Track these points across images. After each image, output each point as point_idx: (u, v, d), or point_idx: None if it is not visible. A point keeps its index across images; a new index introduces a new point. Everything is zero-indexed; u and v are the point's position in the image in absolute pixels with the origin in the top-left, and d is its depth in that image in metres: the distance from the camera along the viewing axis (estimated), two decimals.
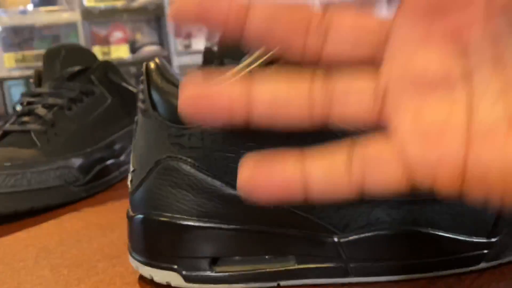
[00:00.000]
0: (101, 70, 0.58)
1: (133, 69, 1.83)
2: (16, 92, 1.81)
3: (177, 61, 1.88)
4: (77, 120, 0.54)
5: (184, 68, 1.88)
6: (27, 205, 0.46)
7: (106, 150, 0.57)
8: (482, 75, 0.17)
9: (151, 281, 0.29)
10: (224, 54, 0.57)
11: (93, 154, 0.54)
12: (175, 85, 0.27)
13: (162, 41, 1.86)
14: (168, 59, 1.86)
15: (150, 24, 1.94)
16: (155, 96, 0.27)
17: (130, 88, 0.61)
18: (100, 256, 0.35)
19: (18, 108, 0.55)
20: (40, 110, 0.52)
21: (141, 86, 0.28)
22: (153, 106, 0.27)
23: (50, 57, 0.58)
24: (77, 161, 0.52)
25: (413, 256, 0.27)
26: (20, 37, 1.86)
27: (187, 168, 0.27)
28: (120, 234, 0.39)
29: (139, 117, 0.29)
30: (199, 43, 1.87)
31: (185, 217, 0.27)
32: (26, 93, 0.56)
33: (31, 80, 0.62)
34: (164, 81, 0.27)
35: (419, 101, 0.18)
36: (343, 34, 0.18)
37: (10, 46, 1.82)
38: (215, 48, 0.59)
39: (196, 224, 0.27)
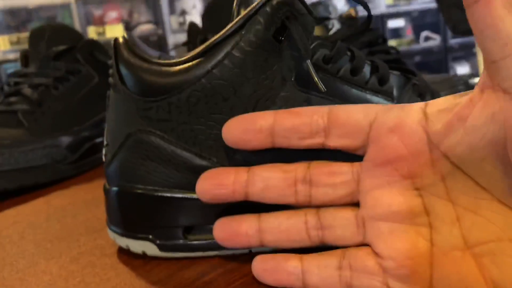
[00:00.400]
0: (87, 49, 0.58)
1: None
2: None
3: (173, 39, 1.87)
4: (64, 99, 0.55)
5: (179, 45, 1.87)
6: (16, 184, 0.47)
7: (94, 128, 0.57)
8: (438, 208, 0.21)
9: (128, 252, 0.30)
10: (207, 30, 0.57)
11: (81, 132, 0.55)
12: (143, 59, 0.27)
13: (157, 20, 1.85)
14: (164, 37, 1.85)
15: (145, 3, 1.92)
16: (123, 70, 0.27)
17: None
18: (83, 230, 0.36)
19: (6, 88, 0.56)
20: (27, 90, 0.53)
21: (110, 61, 0.28)
22: (121, 80, 0.27)
23: (35, 37, 0.58)
24: (65, 140, 0.53)
25: None
26: (15, 19, 1.85)
27: (156, 140, 0.27)
28: (104, 209, 0.40)
29: (110, 92, 0.29)
30: (194, 21, 1.86)
31: (157, 188, 0.28)
32: (12, 73, 0.57)
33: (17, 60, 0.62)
34: (131, 55, 0.27)
35: (391, 232, 0.22)
36: (323, 184, 0.24)
37: (6, 28, 1.81)
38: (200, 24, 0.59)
39: (168, 195, 0.27)
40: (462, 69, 2.29)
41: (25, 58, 0.59)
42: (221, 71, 0.25)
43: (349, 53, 0.28)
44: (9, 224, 0.40)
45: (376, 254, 0.23)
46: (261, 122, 0.24)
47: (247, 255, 0.28)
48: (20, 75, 0.55)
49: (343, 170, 0.24)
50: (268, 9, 0.25)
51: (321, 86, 0.24)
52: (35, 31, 0.58)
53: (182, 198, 0.27)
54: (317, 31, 0.60)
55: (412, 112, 0.22)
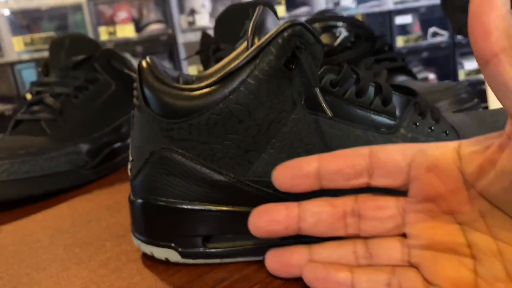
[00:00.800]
0: (104, 58, 0.61)
1: (139, 48, 1.85)
2: (26, 74, 1.85)
3: (182, 38, 1.89)
4: (84, 107, 0.57)
5: (189, 45, 1.90)
6: (41, 189, 0.50)
7: (113, 134, 0.60)
8: (480, 242, 0.23)
9: (152, 257, 0.33)
10: (220, 39, 0.60)
11: (101, 138, 0.58)
12: (164, 82, 0.30)
13: (166, 19, 1.87)
14: (173, 36, 1.88)
15: (154, 2, 1.95)
16: (147, 93, 0.30)
17: (132, 74, 0.64)
18: (107, 235, 0.39)
19: (28, 96, 0.59)
20: (49, 99, 0.56)
21: (135, 84, 0.31)
22: (146, 102, 0.30)
23: (55, 47, 0.61)
24: (85, 146, 0.56)
25: None
26: (27, 19, 1.88)
27: (178, 157, 0.30)
28: (125, 214, 0.43)
29: (135, 112, 0.32)
30: (203, 20, 1.88)
31: (178, 201, 0.30)
32: (34, 82, 0.59)
33: (39, 69, 0.65)
34: (154, 79, 0.30)
35: (435, 260, 0.24)
36: (371, 218, 0.26)
37: (19, 29, 1.84)
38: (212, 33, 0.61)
39: (189, 207, 0.30)
40: (471, 64, 2.29)
41: (45, 67, 0.62)
42: (237, 96, 0.28)
43: (354, 76, 0.30)
44: (38, 228, 0.43)
45: (424, 278, 0.24)
46: (307, 168, 0.26)
47: (262, 262, 0.31)
48: (41, 84, 0.58)
49: (389, 205, 0.25)
50: (280, 40, 0.27)
51: (328, 112, 0.26)
52: (55, 41, 0.61)
53: (201, 210, 0.30)
54: (325, 38, 0.62)
55: (447, 152, 0.23)
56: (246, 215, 0.30)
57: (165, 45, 1.89)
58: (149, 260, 0.33)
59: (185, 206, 0.30)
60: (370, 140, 0.29)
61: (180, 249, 0.31)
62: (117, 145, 0.61)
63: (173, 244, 0.31)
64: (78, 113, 0.57)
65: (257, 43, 0.28)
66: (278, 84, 0.28)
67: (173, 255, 0.31)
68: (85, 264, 0.34)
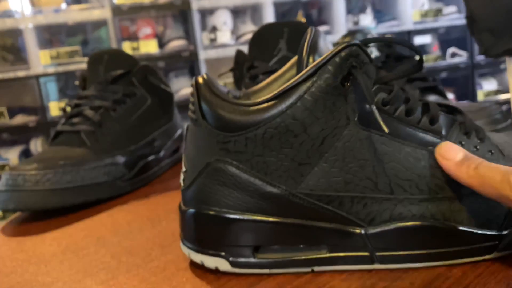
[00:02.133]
0: (141, 73, 0.63)
1: (161, 64, 1.88)
2: (50, 87, 1.90)
3: (203, 55, 1.93)
4: (121, 120, 0.59)
5: (210, 62, 1.93)
6: (81, 199, 0.51)
7: (147, 147, 0.62)
8: None
9: (201, 267, 0.33)
10: (254, 56, 0.61)
11: (137, 151, 0.59)
12: (221, 98, 0.31)
13: (188, 36, 1.91)
14: (195, 53, 1.91)
15: (176, 19, 1.99)
16: (204, 107, 0.31)
17: (167, 89, 0.66)
18: (152, 244, 0.40)
19: (68, 109, 0.61)
20: (88, 112, 0.57)
21: (191, 99, 0.32)
22: (203, 116, 0.31)
23: (94, 61, 0.63)
24: (122, 158, 0.57)
25: (431, 246, 0.30)
26: (53, 34, 1.94)
27: (232, 169, 0.31)
28: (167, 226, 0.44)
29: (190, 125, 0.33)
30: (224, 37, 1.91)
31: (231, 211, 0.31)
32: (73, 96, 0.61)
33: (76, 83, 0.67)
34: (212, 94, 0.31)
35: None
36: None
37: (45, 43, 1.89)
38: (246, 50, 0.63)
39: (240, 217, 0.31)
40: (489, 85, 2.29)
41: (83, 80, 0.64)
42: (293, 111, 0.29)
43: (403, 96, 0.31)
44: (81, 237, 0.44)
45: None
46: None
47: (311, 274, 0.31)
48: (80, 97, 0.60)
49: None
50: (337, 59, 0.28)
51: (385, 127, 0.28)
52: (94, 56, 0.63)
53: (252, 220, 0.31)
54: None
55: None
56: (296, 227, 0.31)
57: (187, 61, 1.92)
58: (198, 269, 0.34)
59: (236, 216, 0.31)
60: (419, 157, 0.30)
61: (230, 259, 0.32)
62: (151, 158, 0.62)
63: (223, 253, 0.32)
64: (116, 126, 0.58)
65: (312, 62, 0.30)
66: (334, 101, 0.29)
67: (223, 264, 0.32)
68: (134, 272, 0.35)
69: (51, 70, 1.79)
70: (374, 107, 0.28)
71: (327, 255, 0.31)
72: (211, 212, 0.32)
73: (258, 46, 0.61)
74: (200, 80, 0.32)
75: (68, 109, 0.61)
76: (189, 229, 0.33)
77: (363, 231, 0.30)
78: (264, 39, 0.61)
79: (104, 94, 0.60)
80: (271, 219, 0.31)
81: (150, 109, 0.63)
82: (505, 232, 0.30)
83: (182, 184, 0.34)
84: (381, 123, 0.27)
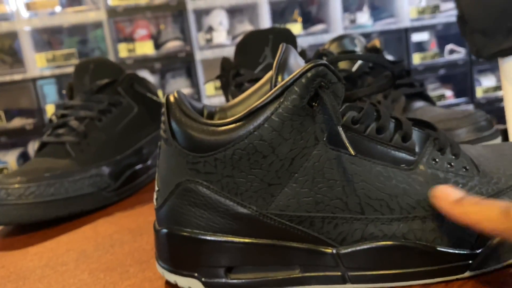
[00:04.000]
0: (127, 82, 0.63)
1: (157, 65, 1.88)
2: (47, 90, 1.90)
3: (200, 55, 1.92)
4: (107, 130, 0.59)
5: (207, 62, 1.92)
6: (66, 211, 0.51)
7: (134, 156, 0.62)
8: None
9: (175, 286, 0.33)
10: (240, 64, 0.61)
11: (123, 161, 0.59)
12: (191, 118, 0.31)
13: (184, 36, 1.91)
14: (191, 53, 1.90)
15: (172, 20, 1.99)
16: (175, 127, 0.31)
17: (154, 98, 0.65)
18: (131, 261, 0.40)
19: (54, 119, 0.60)
20: (73, 123, 0.57)
21: (163, 118, 0.32)
22: (173, 135, 0.31)
23: (80, 70, 0.63)
24: (108, 169, 0.57)
25: (404, 266, 0.30)
26: (48, 34, 1.93)
27: (203, 190, 0.31)
28: (148, 239, 0.44)
29: (161, 144, 0.33)
30: (220, 38, 1.90)
31: (202, 232, 0.31)
32: (59, 105, 0.61)
33: (64, 93, 0.67)
34: (182, 113, 0.31)
35: None
36: None
37: (41, 46, 1.89)
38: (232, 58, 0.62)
39: (212, 238, 0.31)
40: (488, 81, 2.27)
41: (70, 90, 0.63)
42: (261, 133, 0.29)
43: (375, 114, 0.31)
44: (63, 251, 0.44)
45: None
46: None
47: None
48: (66, 107, 0.60)
49: None
50: (303, 80, 0.28)
51: (351, 150, 0.27)
52: (80, 65, 0.63)
53: (224, 241, 0.31)
54: (343, 64, 0.63)
55: None
56: (268, 247, 0.31)
57: (183, 62, 1.92)
58: None
59: (208, 238, 0.31)
60: (390, 176, 0.30)
61: (203, 279, 0.32)
62: (138, 166, 0.62)
63: (196, 274, 0.32)
64: (101, 136, 0.58)
65: (280, 81, 0.29)
66: (301, 122, 0.29)
67: (196, 285, 0.32)
68: None
69: (47, 72, 1.79)
70: (339, 128, 0.27)
71: (300, 275, 0.31)
72: (184, 233, 0.32)
73: (244, 53, 0.61)
74: (171, 98, 0.32)
75: (54, 119, 0.60)
76: (163, 249, 0.33)
77: (334, 251, 0.30)
78: (249, 47, 0.60)
79: (89, 104, 0.59)
80: (242, 239, 0.31)
81: (136, 118, 0.63)
82: (477, 251, 0.30)
83: (155, 203, 0.34)
84: (347, 144, 0.27)
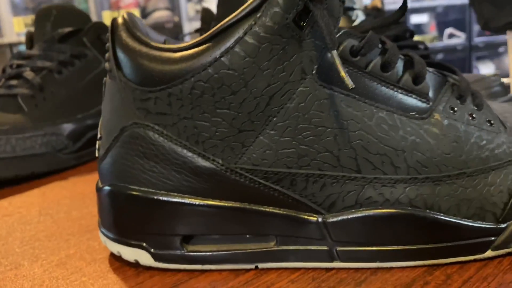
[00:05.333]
0: (94, 32, 0.55)
1: None
2: None
3: (189, 26, 1.84)
4: (68, 85, 0.52)
5: (195, 35, 1.84)
6: (11, 172, 0.44)
7: (99, 116, 0.54)
8: None
9: (120, 259, 0.27)
10: (223, 16, 0.54)
11: (85, 120, 0.52)
12: (141, 42, 0.24)
13: (173, 6, 1.82)
14: (179, 25, 1.82)
15: None
16: (120, 54, 0.24)
17: None
18: (75, 228, 0.33)
19: (8, 70, 0.53)
20: (28, 73, 0.50)
21: (107, 44, 0.25)
22: (118, 65, 0.24)
23: (41, 17, 0.55)
24: (67, 128, 0.50)
25: (408, 241, 0.23)
26: (34, 1, 1.83)
27: (154, 136, 0.24)
28: None
29: (106, 79, 0.26)
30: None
31: (152, 190, 0.24)
32: (15, 55, 0.54)
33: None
34: (130, 38, 0.24)
35: None
36: None
37: (23, 10, 1.79)
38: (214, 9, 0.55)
39: (165, 198, 0.24)
40: (486, 69, 2.21)
41: (30, 39, 0.56)
42: (230, 59, 0.22)
43: (380, 45, 0.24)
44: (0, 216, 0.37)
45: None
46: None
47: (254, 272, 0.25)
48: (23, 57, 0.52)
49: None
50: None
51: (348, 81, 0.20)
52: (41, 12, 0.55)
53: (180, 203, 0.24)
54: (341, 22, 0.56)
55: None
56: (235, 212, 0.24)
57: (171, 33, 1.83)
58: (117, 262, 0.27)
59: (160, 198, 0.24)
60: (396, 124, 0.23)
61: (152, 250, 0.25)
62: None
63: (144, 244, 0.25)
64: (61, 91, 0.51)
65: None
66: (284, 46, 0.22)
67: (144, 257, 0.25)
68: (41, 261, 0.28)
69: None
70: (334, 52, 0.20)
71: (275, 248, 0.24)
72: (130, 192, 0.25)
73: (226, 5, 0.53)
74: (119, 19, 0.25)
75: (8, 69, 0.53)
76: (105, 212, 0.26)
77: (320, 219, 0.24)
78: None
79: (49, 53, 0.52)
80: (204, 201, 0.24)
81: (103, 74, 0.55)
82: (503, 225, 0.23)
83: (97, 154, 0.27)
84: (343, 73, 0.20)
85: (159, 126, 0.23)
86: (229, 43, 0.22)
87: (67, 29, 0.53)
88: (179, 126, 0.23)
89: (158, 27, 1.79)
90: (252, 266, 0.25)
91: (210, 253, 0.25)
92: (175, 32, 1.82)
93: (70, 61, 0.52)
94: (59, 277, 0.26)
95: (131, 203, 0.25)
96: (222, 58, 0.22)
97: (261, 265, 0.25)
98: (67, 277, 0.26)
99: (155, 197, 0.24)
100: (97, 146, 0.27)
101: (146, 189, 0.24)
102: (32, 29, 0.56)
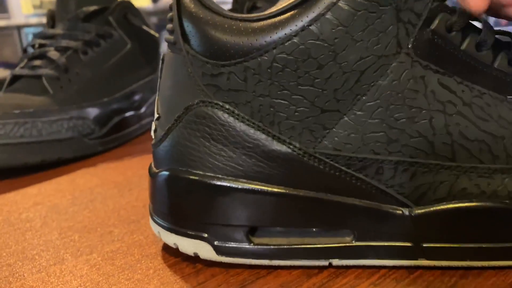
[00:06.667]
0: (120, 11, 0.52)
1: (154, 19, 1.75)
2: None
3: None
4: (93, 66, 0.49)
5: None
6: (38, 158, 0.42)
7: (125, 100, 0.52)
8: None
9: (176, 252, 0.24)
10: None
11: (111, 104, 0.49)
12: (213, 11, 0.21)
13: None
14: None
15: None
16: (187, 25, 0.21)
17: (152, 32, 0.55)
18: (115, 219, 0.30)
19: (30, 50, 0.50)
20: (53, 53, 0.47)
21: (170, 13, 0.22)
22: (184, 37, 0.21)
23: None
24: (92, 111, 0.47)
25: (505, 239, 0.21)
26: None
27: (224, 116, 0.21)
28: (138, 195, 0.35)
29: (166, 54, 0.23)
30: None
31: (219, 176, 0.22)
32: (38, 34, 0.51)
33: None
34: (200, 6, 0.21)
35: None
36: None
37: None
38: None
39: (233, 185, 0.22)
40: None
41: (51, 18, 0.53)
42: (320, 28, 0.19)
43: (475, 22, 0.21)
44: (30, 205, 0.34)
45: None
46: None
47: (327, 271, 0.22)
48: (46, 36, 0.50)
49: None
50: None
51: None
52: None
53: (250, 190, 0.22)
54: None
55: None
56: (310, 202, 0.22)
57: None
58: (171, 256, 0.25)
59: (227, 184, 0.22)
60: (495, 109, 0.21)
61: (216, 243, 0.23)
62: (129, 113, 0.52)
63: (206, 235, 0.23)
64: (86, 72, 0.48)
65: None
66: (381, 15, 0.19)
67: (205, 250, 0.23)
68: (85, 256, 0.26)
69: (34, 20, 1.65)
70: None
71: (353, 244, 0.22)
72: (191, 177, 0.22)
73: None
74: None
75: (30, 50, 0.50)
76: (160, 200, 0.24)
77: (407, 212, 0.21)
78: None
79: (73, 33, 0.49)
80: (276, 189, 0.22)
81: (129, 56, 0.53)
82: None
83: (153, 136, 0.24)
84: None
85: (230, 104, 0.21)
86: (319, 9, 0.19)
87: (91, 8, 0.51)
88: (254, 104, 0.21)
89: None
90: (326, 262, 0.22)
91: (278, 247, 0.22)
92: None
93: (95, 41, 0.50)
94: (109, 273, 0.24)
95: (194, 189, 0.22)
96: (311, 27, 0.19)
97: (335, 262, 0.22)
98: (118, 275, 0.23)
99: (222, 183, 0.22)
100: (153, 127, 0.24)
101: (211, 174, 0.22)
102: (42, 11, 0.53)
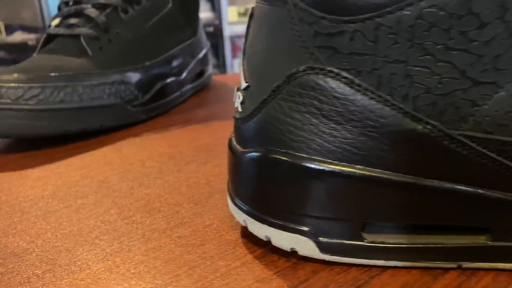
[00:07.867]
0: None
1: None
2: (52, 3, 1.71)
3: (228, 31, 1.74)
4: (134, 26, 0.45)
5: (234, 38, 1.76)
6: (79, 125, 0.38)
7: (167, 65, 0.48)
8: None
9: (259, 239, 0.21)
10: None
11: (153, 68, 0.45)
12: None
13: (214, 8, 1.73)
14: (219, 28, 1.73)
15: None
16: None
17: None
18: (179, 198, 0.27)
19: (63, 8, 0.46)
20: (91, 11, 0.43)
21: None
22: None
23: None
24: (134, 76, 0.43)
25: None
26: None
27: (340, 86, 0.17)
28: (196, 170, 0.31)
29: (259, 7, 0.19)
30: None
31: (329, 160, 0.18)
32: None
33: None
34: None
35: None
36: None
37: None
38: None
39: (345, 171, 0.18)
40: None
41: None
42: None
43: None
44: (76, 178, 0.31)
45: None
46: None
47: (456, 274, 0.18)
48: None
49: None
50: None
51: None
52: None
53: (369, 178, 0.18)
54: None
55: None
56: (442, 195, 0.18)
57: (212, 37, 1.72)
58: (256, 246, 0.21)
59: (338, 170, 0.18)
60: None
61: (320, 238, 0.19)
62: (171, 79, 0.48)
63: (307, 229, 0.19)
64: (126, 33, 0.44)
65: None
66: None
67: (305, 246, 0.19)
68: (154, 242, 0.22)
69: None
70: None
71: (488, 243, 0.18)
72: (294, 160, 0.18)
73: None
74: None
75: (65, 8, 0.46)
76: (248, 184, 0.20)
77: None
78: None
79: None
80: (402, 179, 0.18)
81: (170, 16, 0.48)
82: None
83: (239, 109, 0.20)
84: None
85: (349, 72, 0.17)
86: None
87: None
88: (383, 73, 0.16)
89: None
90: (454, 265, 0.19)
91: (397, 245, 0.19)
92: (216, 35, 1.74)
93: None
94: (190, 264, 0.20)
95: (296, 176, 0.18)
96: None
97: (465, 265, 0.19)
98: (198, 266, 0.20)
99: (333, 170, 0.18)
100: (238, 98, 0.20)
101: (320, 159, 0.18)
102: None
